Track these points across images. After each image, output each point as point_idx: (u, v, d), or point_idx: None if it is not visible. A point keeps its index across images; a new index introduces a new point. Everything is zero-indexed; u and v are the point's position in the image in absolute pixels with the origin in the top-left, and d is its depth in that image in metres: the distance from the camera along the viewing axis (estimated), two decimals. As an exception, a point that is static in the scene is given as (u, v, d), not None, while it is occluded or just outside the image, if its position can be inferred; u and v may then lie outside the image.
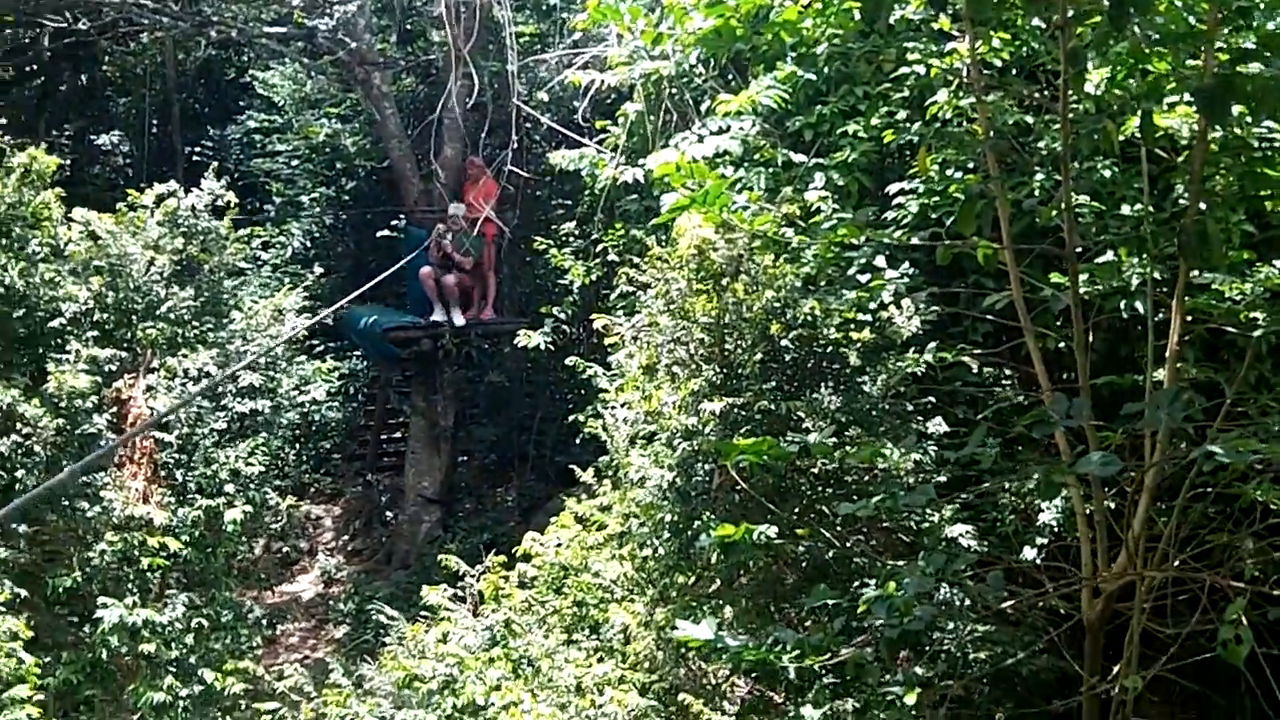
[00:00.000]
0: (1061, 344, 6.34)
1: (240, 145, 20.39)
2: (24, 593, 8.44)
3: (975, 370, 7.54)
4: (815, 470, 7.18)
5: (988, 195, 5.95)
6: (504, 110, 14.13)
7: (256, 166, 19.01)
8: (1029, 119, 7.35)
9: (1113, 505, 5.70)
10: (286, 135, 18.39)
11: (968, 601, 6.22)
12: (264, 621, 10.80)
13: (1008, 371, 7.61)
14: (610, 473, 8.35)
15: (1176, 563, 5.47)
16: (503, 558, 8.16)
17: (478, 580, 8.06)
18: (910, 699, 5.46)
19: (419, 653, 7.64)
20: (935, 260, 6.43)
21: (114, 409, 9.64)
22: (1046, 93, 6.53)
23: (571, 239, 12.61)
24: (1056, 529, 6.98)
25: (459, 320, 14.43)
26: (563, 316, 12.54)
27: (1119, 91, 6.05)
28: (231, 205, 11.05)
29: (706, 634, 5.43)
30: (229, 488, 9.76)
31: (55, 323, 9.83)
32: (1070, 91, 5.46)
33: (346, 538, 16.31)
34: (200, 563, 9.59)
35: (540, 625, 7.65)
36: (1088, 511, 5.59)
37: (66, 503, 9.27)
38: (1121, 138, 5.96)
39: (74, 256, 10.20)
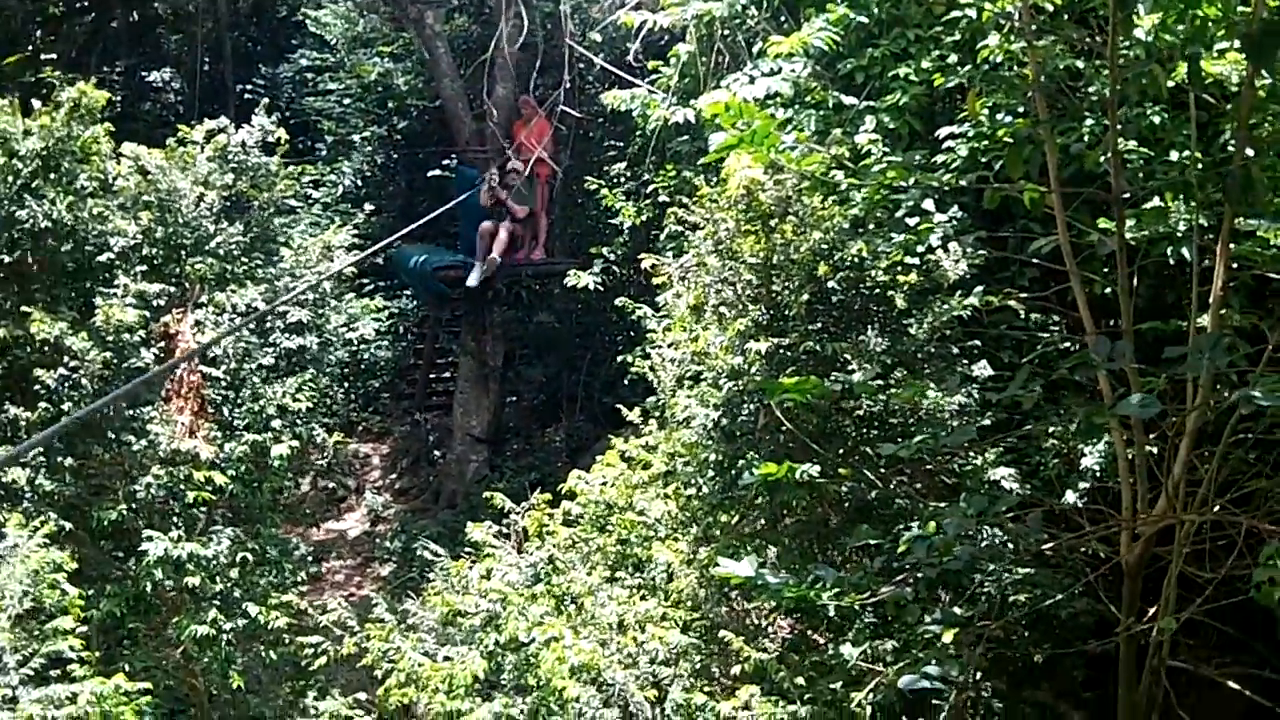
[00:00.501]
0: (1107, 289, 6.29)
1: (292, 84, 20.43)
2: (69, 525, 8.48)
3: (1021, 314, 7.51)
4: (860, 412, 7.19)
5: (1036, 140, 5.92)
6: (556, 50, 14.09)
7: (308, 105, 19.08)
8: (1079, 64, 7.26)
9: (1154, 450, 5.69)
10: (338, 74, 18.44)
11: (1009, 544, 6.24)
12: (309, 558, 10.93)
13: (1054, 316, 7.58)
14: (657, 413, 8.40)
15: (1215, 507, 5.45)
16: (548, 496, 8.23)
17: (522, 518, 8.14)
18: (948, 637, 5.49)
19: (463, 589, 7.74)
20: (983, 204, 6.41)
21: (162, 343, 9.71)
22: (1097, 38, 6.43)
23: (623, 179, 12.59)
24: (1098, 473, 6.96)
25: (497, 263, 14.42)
26: (613, 257, 12.54)
27: (1168, 37, 5.96)
28: (282, 142, 11.07)
29: (747, 571, 5.50)
30: (276, 423, 9.80)
31: (103, 257, 9.86)
32: (1120, 36, 5.40)
33: (394, 476, 16.46)
34: (246, 498, 9.66)
35: (584, 563, 7.72)
36: (1129, 456, 5.58)
37: (113, 435, 9.33)
38: (1170, 84, 5.87)
39: (123, 191, 10.23)
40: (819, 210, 7.26)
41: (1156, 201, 6.65)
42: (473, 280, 14.28)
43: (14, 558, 7.35)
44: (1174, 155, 6.90)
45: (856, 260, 7.26)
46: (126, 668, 7.63)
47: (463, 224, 15.25)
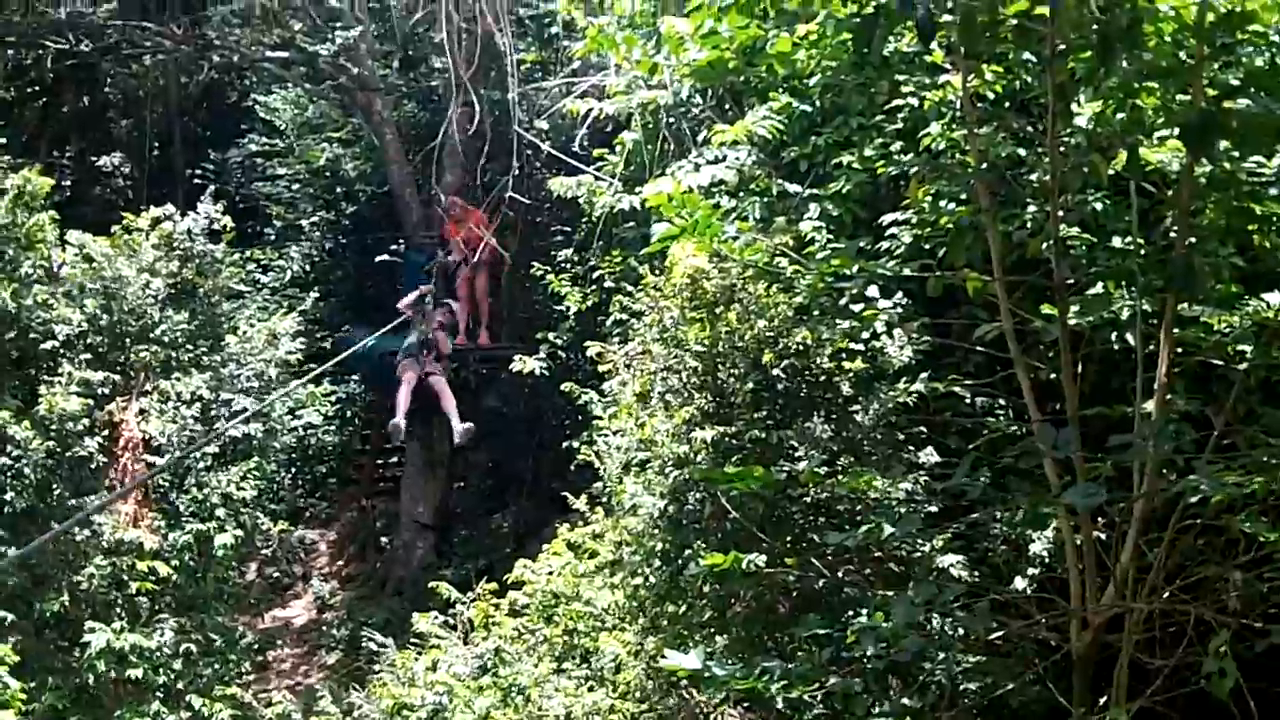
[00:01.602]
0: (1053, 375, 6.34)
1: (241, 168, 20.38)
2: (11, 616, 8.42)
3: (968, 400, 7.54)
4: (807, 499, 7.18)
5: (979, 227, 5.98)
6: (505, 136, 14.16)
7: (257, 190, 19.00)
8: (1021, 151, 7.38)
9: (1103, 536, 5.70)
10: (288, 159, 18.41)
11: (958, 631, 6.21)
12: (255, 647, 10.78)
13: (1000, 402, 7.62)
14: (604, 500, 8.36)
15: (1165, 595, 5.47)
16: (494, 585, 8.16)
17: (469, 608, 8.05)
18: (899, 729, 5.44)
19: (409, 680, 7.64)
20: (927, 291, 6.46)
21: (105, 432, 9.66)
22: (1039, 126, 6.55)
23: (570, 265, 12.64)
24: (1047, 559, 6.96)
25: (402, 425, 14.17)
26: (559, 342, 12.54)
27: (1109, 125, 6.07)
28: (228, 229, 11.09)
29: (694, 664, 5.43)
30: (220, 512, 9.74)
31: (48, 345, 9.87)
32: (1060, 125, 5.49)
33: (340, 563, 16.28)
34: (190, 587, 9.57)
35: (531, 654, 7.65)
36: (1077, 543, 5.59)
37: (56, 525, 9.25)
38: (1111, 171, 5.97)
39: (69, 279, 10.24)
40: (763, 298, 7.29)
41: (1100, 288, 6.72)
42: (398, 420, 13.96)
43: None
44: (1116, 242, 6.99)
45: (801, 347, 7.27)
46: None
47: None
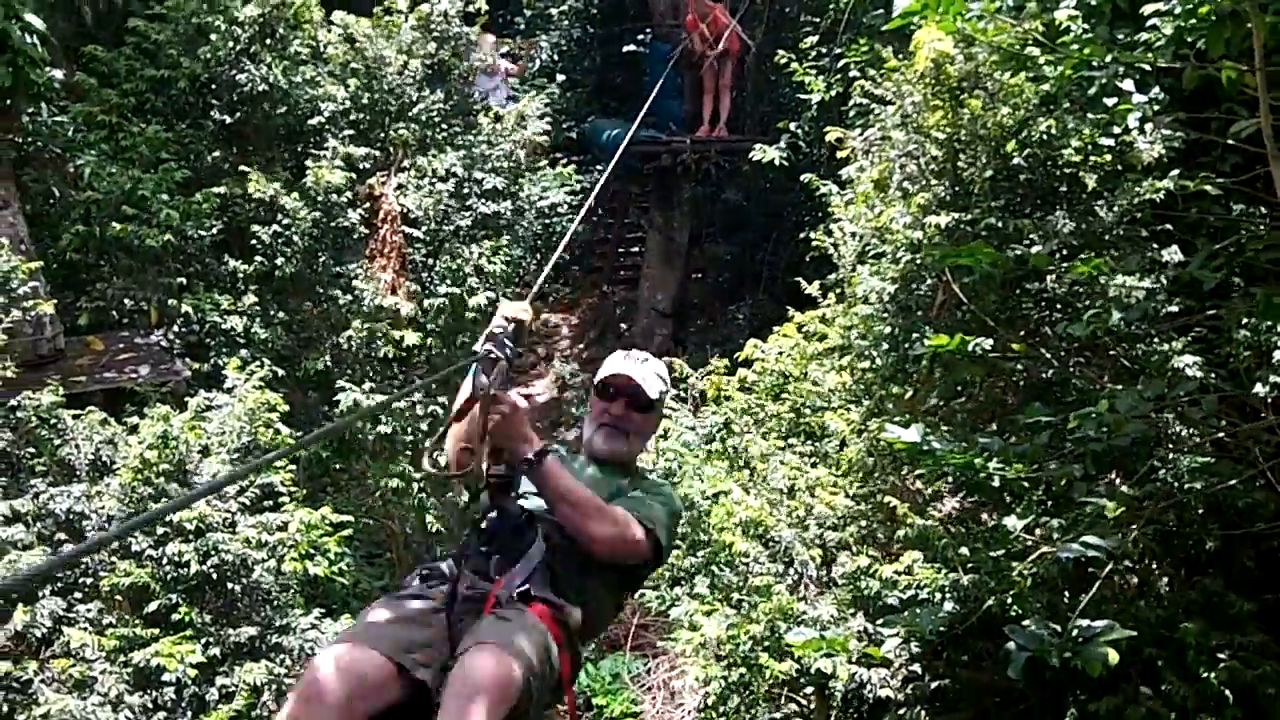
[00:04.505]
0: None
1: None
2: (280, 372, 9.07)
3: (1221, 200, 7.27)
4: (1043, 292, 7.12)
5: (1242, 16, 5.69)
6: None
7: (509, -22, 19.29)
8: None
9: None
10: (541, -52, 18.57)
11: (1187, 431, 6.17)
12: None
13: (1259, 207, 7.32)
14: (837, 290, 8.46)
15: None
16: (725, 362, 8.41)
17: (701, 380, 8.36)
18: (1113, 513, 5.47)
19: (642, 446, 8.02)
20: (1183, 84, 6.21)
21: (366, 204, 10.21)
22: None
23: (814, 54, 12.48)
24: (1289, 364, 6.77)
25: None
26: (799, 133, 12.47)
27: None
28: (482, 12, 11.35)
29: (914, 437, 5.59)
30: (472, 281, 10.22)
31: (314, 121, 10.41)
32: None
33: (581, 346, 16.88)
34: (441, 352, 10.13)
35: (758, 428, 7.91)
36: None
37: (320, 290, 9.98)
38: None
39: (332, 59, 10.71)
40: (1009, 85, 7.13)
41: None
42: None
43: (234, 398, 7.93)
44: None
45: (1046, 138, 7.12)
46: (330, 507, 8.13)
47: (656, 100, 15.32)
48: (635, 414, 4.11)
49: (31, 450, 7.47)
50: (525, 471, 3.66)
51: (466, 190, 10.67)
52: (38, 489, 7.21)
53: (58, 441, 7.46)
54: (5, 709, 6.38)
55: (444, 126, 10.94)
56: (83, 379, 8.58)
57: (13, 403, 7.47)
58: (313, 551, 7.39)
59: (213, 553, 7.01)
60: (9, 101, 8.86)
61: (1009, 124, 7.08)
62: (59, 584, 6.93)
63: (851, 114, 9.49)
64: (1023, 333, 7.02)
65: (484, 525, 3.69)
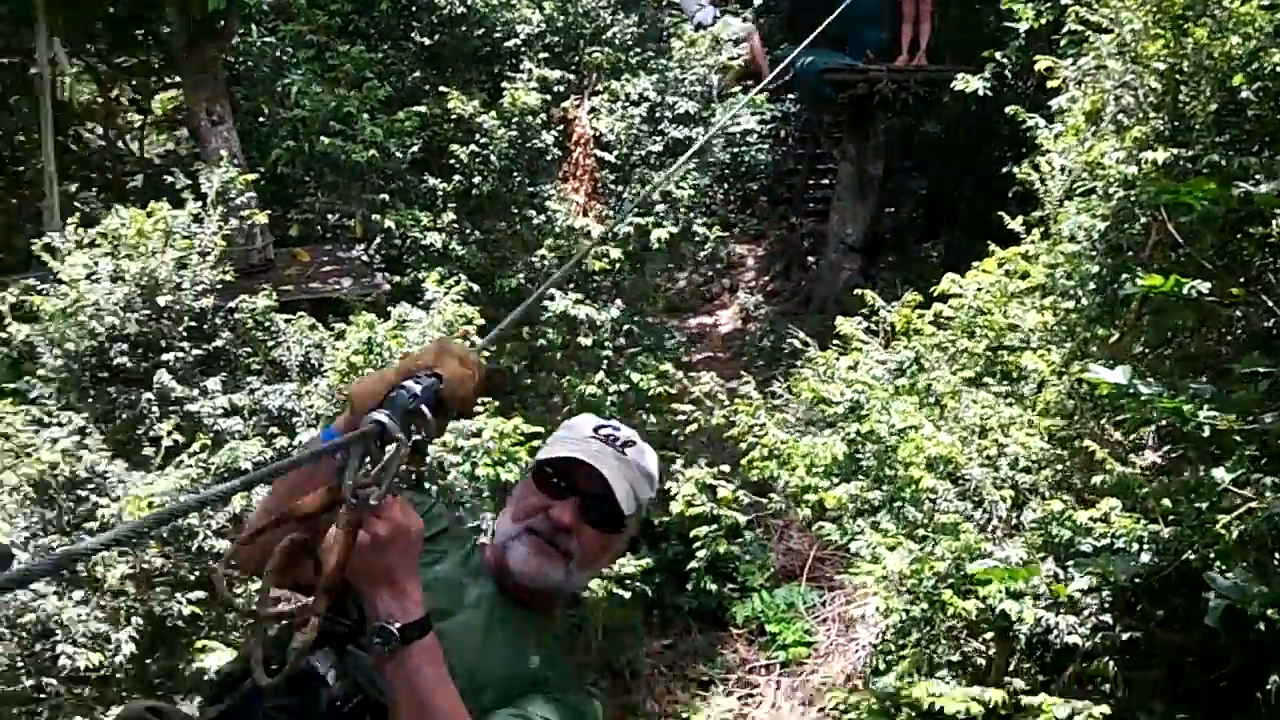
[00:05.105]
0: None
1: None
2: (476, 288, 9.26)
3: None
4: (1268, 238, 6.73)
5: None
6: None
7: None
8: None
9: None
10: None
11: None
12: (682, 347, 11.42)
13: None
14: (1041, 226, 8.15)
15: None
16: (919, 297, 8.21)
17: (892, 313, 8.19)
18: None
19: (829, 378, 7.93)
20: None
21: (560, 127, 10.30)
22: None
23: (1027, -22, 11.97)
24: None
25: None
26: (1005, 62, 12.02)
27: None
28: (682, -66, 11.28)
29: (1120, 378, 5.30)
30: (659, 208, 10.23)
31: (510, 43, 10.58)
32: None
33: (766, 278, 16.73)
34: (631, 279, 10.20)
35: (950, 364, 7.71)
36: None
37: (515, 211, 10.13)
38: None
39: (531, -18, 10.81)
40: (1240, 13, 6.71)
41: None
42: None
43: (433, 309, 8.15)
44: None
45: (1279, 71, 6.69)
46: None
47: (851, 27, 14.96)
48: (589, 530, 2.53)
49: (248, 350, 7.92)
50: (379, 644, 2.09)
51: (659, 115, 10.63)
52: (253, 385, 7.67)
53: (271, 343, 7.90)
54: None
55: (636, 51, 10.92)
56: (290, 288, 9.02)
57: (231, 305, 7.92)
58: (505, 459, 7.55)
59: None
60: (222, 22, 9.21)
61: (1238, 55, 6.65)
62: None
63: (1063, 42, 9.08)
64: (1243, 279, 6.65)
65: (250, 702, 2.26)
